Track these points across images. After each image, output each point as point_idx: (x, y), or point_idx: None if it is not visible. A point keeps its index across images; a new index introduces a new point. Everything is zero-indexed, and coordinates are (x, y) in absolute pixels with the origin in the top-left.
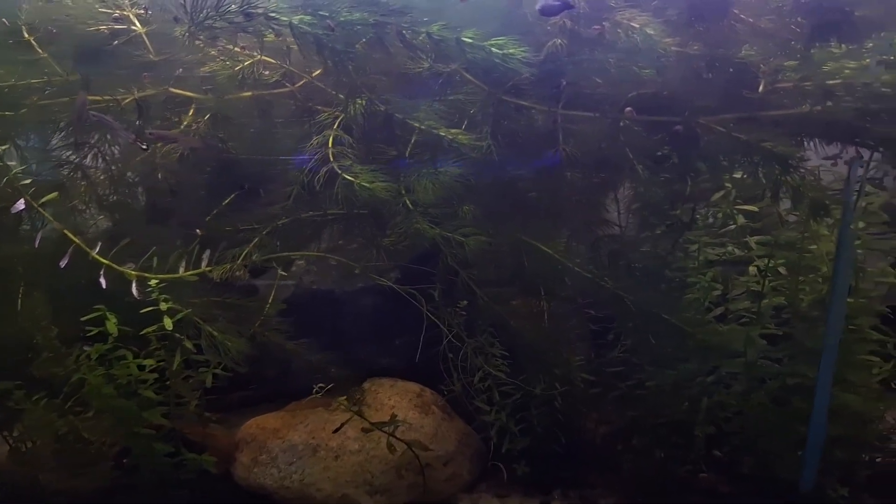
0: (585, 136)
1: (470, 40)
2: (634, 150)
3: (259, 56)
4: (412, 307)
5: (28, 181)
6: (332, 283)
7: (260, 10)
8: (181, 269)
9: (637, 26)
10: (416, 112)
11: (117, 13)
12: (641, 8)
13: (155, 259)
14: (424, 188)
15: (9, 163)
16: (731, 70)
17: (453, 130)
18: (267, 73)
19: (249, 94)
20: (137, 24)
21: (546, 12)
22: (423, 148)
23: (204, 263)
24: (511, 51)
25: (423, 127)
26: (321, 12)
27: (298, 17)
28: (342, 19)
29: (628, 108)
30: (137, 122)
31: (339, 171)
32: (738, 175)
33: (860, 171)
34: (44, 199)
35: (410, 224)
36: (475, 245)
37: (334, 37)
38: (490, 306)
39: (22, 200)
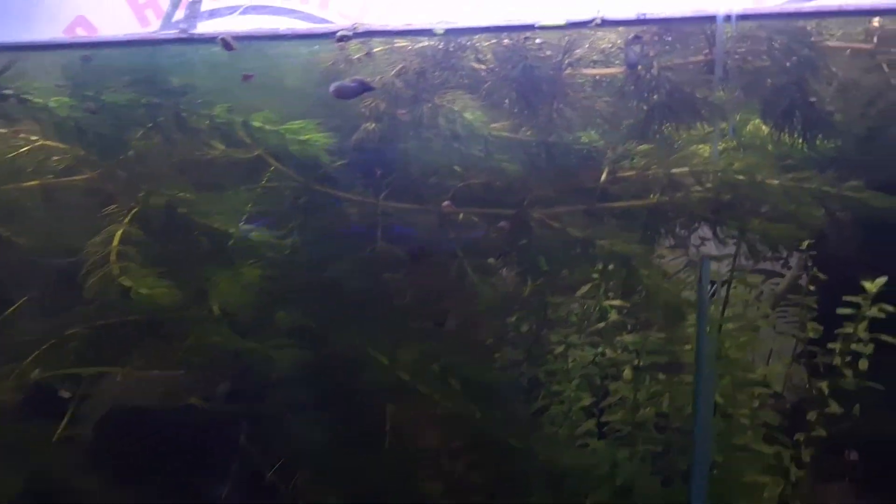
0: (407, 231)
1: (259, 124)
2: (464, 246)
3: (40, 141)
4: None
5: None
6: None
7: (9, 91)
8: None
9: (457, 109)
10: (210, 205)
11: None
12: (468, 89)
13: None
14: (221, 292)
15: None
16: (570, 157)
17: (246, 227)
18: (56, 158)
19: (36, 182)
20: None
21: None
22: (224, 246)
23: None
24: (311, 136)
25: (216, 225)
26: (86, 92)
27: (56, 99)
28: (105, 100)
29: (446, 203)
30: None
31: (115, 275)
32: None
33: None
34: None
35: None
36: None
37: (98, 121)
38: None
39: None
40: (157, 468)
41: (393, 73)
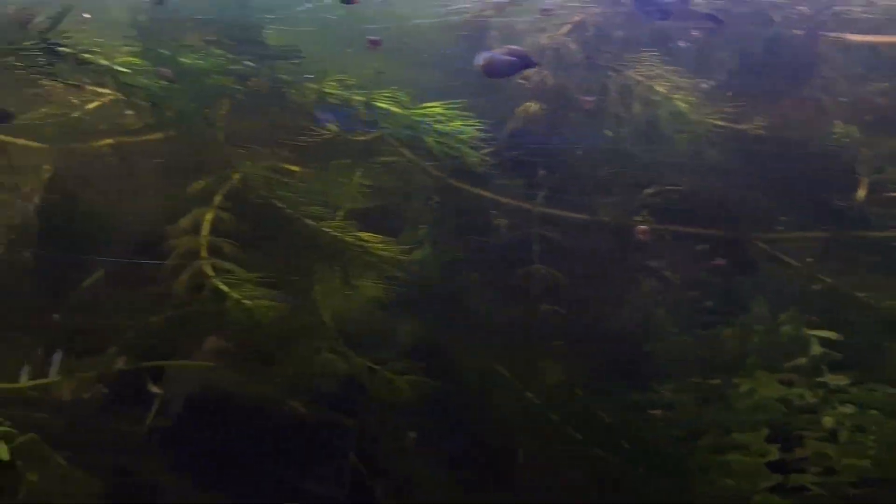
0: (574, 249)
1: (385, 105)
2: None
3: (113, 95)
4: None
5: None
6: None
7: (65, 48)
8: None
9: (664, 91)
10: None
11: None
12: (673, 62)
13: None
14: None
15: None
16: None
17: (365, 235)
18: (130, 112)
19: (111, 141)
20: None
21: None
22: (334, 252)
23: (54, 370)
24: (454, 125)
25: (326, 228)
26: (161, 50)
27: (123, 59)
28: (186, 63)
29: (643, 228)
30: None
31: (210, 276)
32: None
33: None
34: None
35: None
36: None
37: (177, 90)
38: None
39: None
40: (246, 472)
41: (563, 31)
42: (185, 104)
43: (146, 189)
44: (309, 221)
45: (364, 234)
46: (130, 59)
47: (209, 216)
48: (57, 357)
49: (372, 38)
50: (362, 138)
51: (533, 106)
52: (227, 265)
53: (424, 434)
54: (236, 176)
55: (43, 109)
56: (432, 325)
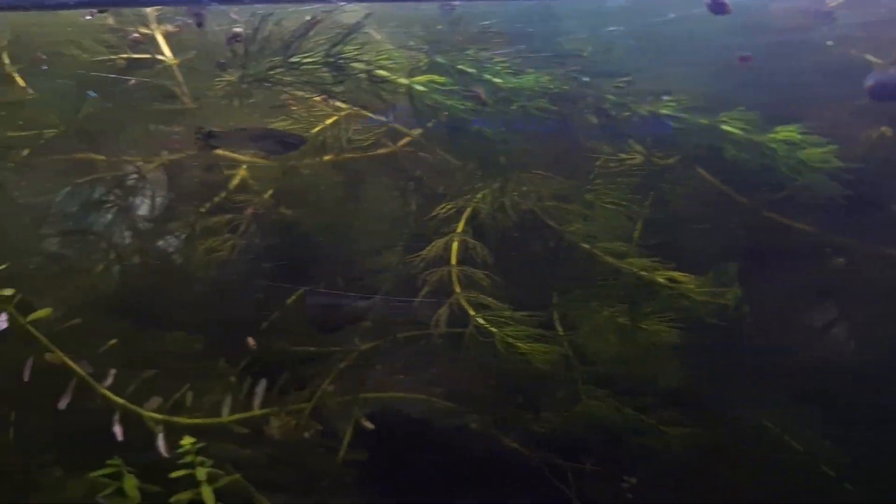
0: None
1: (738, 131)
2: None
3: (349, 110)
4: None
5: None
6: None
7: (359, 66)
8: (225, 410)
9: None
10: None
11: (137, 33)
12: None
13: (188, 395)
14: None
15: None
16: None
17: (664, 272)
18: (355, 129)
19: (329, 157)
20: (167, 51)
21: (883, 94)
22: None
23: (257, 401)
24: (812, 152)
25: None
26: (463, 67)
27: (423, 78)
28: (502, 84)
29: None
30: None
31: (471, 312)
32: None
33: None
34: (34, 316)
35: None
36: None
37: (484, 113)
38: None
39: (4, 316)
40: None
41: None
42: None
43: (370, 210)
44: (597, 252)
45: (672, 273)
46: (431, 76)
47: (454, 243)
48: (261, 388)
49: (743, 54)
50: (662, 161)
51: (888, 131)
52: (486, 300)
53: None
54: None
55: (280, 124)
56: (701, 370)
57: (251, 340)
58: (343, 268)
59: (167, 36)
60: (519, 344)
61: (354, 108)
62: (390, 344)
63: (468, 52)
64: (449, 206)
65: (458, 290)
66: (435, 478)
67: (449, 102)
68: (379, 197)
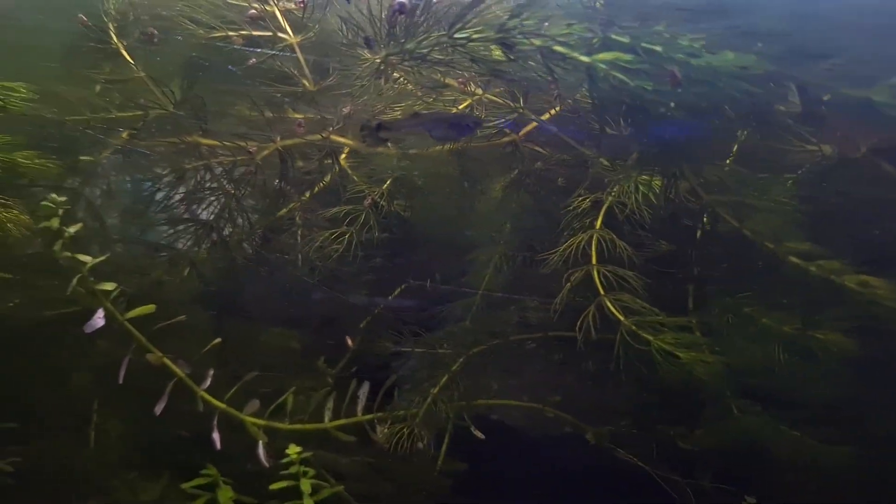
0: None
1: None
2: None
3: (483, 94)
4: None
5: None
6: None
7: (537, 41)
8: (327, 416)
9: None
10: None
11: (255, 8)
12: None
13: (289, 398)
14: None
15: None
16: None
17: (854, 276)
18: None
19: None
20: (289, 31)
21: None
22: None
23: (360, 406)
24: None
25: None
26: (649, 45)
27: (608, 56)
28: (697, 64)
29: None
30: (278, 183)
31: (620, 317)
32: None
33: None
34: (133, 313)
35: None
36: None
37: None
38: None
39: (101, 313)
40: None
41: None
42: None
43: (488, 202)
44: (780, 252)
45: (865, 277)
46: (616, 54)
47: (592, 238)
48: (364, 391)
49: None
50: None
51: None
52: (636, 303)
53: None
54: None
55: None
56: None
57: (350, 340)
58: (454, 263)
59: (285, 14)
60: (679, 353)
61: (488, 95)
62: (502, 347)
63: (656, 27)
64: (583, 199)
65: (601, 291)
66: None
67: (634, 83)
68: (497, 188)
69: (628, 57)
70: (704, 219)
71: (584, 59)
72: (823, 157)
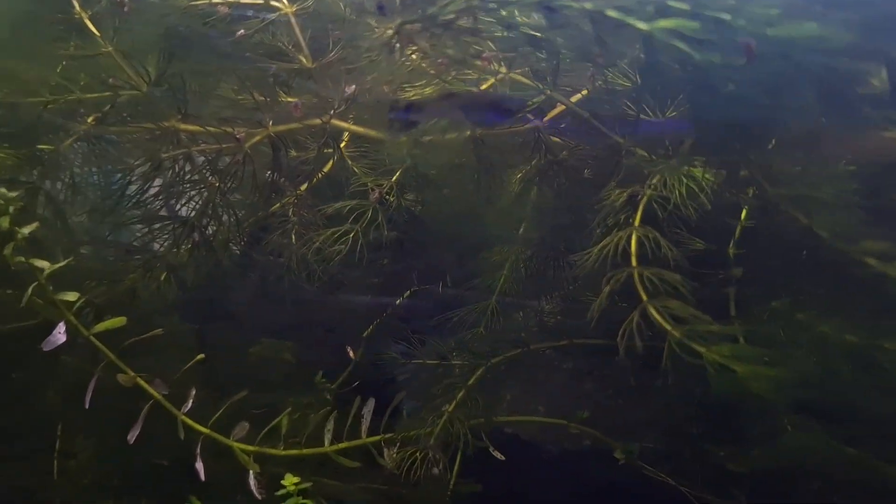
0: None
1: None
2: None
3: (507, 73)
4: None
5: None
6: None
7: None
8: (327, 439)
9: None
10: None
11: None
12: None
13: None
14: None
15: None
16: None
17: None
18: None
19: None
20: None
21: None
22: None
23: (365, 427)
24: None
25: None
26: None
27: (669, 23)
28: (774, 35)
29: None
30: (270, 174)
31: (667, 326)
32: None
33: None
34: (101, 327)
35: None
36: None
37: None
38: None
39: (62, 328)
40: None
41: None
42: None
43: (506, 196)
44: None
45: None
46: (679, 21)
47: (631, 236)
48: (368, 410)
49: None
50: None
51: None
52: (685, 309)
53: None
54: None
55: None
56: None
57: (351, 350)
58: (467, 264)
59: None
60: (736, 366)
61: (513, 74)
62: (523, 357)
63: None
64: (620, 193)
65: (644, 297)
66: None
67: (699, 56)
68: (516, 180)
69: (694, 24)
70: (743, 214)
71: (643, 25)
72: None
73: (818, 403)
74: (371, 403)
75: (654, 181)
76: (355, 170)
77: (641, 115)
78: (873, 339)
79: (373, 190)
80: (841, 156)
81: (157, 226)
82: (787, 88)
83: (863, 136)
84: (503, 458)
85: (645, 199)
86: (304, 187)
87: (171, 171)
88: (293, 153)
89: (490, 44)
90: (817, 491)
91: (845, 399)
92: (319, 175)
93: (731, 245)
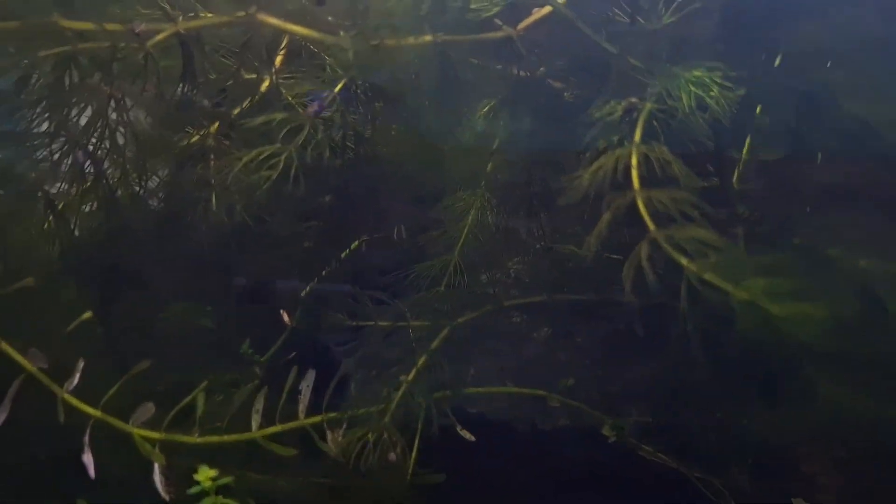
0: None
1: None
2: None
3: None
4: None
5: None
6: None
7: None
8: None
9: None
10: None
11: None
12: None
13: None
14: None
15: None
16: None
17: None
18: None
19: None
20: None
21: None
22: None
23: (303, 405)
24: None
25: None
26: None
27: None
28: None
29: None
30: (181, 88)
31: (683, 261)
32: None
33: None
34: None
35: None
36: None
37: None
38: None
39: None
40: None
41: None
42: None
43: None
44: None
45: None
46: None
47: (634, 159)
48: (306, 384)
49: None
50: None
51: None
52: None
53: None
54: None
55: None
56: None
57: (286, 314)
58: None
59: None
60: (772, 307)
61: None
62: (494, 315)
63: None
64: (614, 105)
65: (651, 226)
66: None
67: None
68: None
69: None
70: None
71: None
72: None
73: (857, 355)
74: (311, 376)
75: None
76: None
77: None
78: None
79: (312, 103)
80: None
81: (34, 147)
82: None
83: None
84: (472, 438)
85: (645, 111)
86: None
87: (51, 77)
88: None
89: None
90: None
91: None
92: (250, 97)
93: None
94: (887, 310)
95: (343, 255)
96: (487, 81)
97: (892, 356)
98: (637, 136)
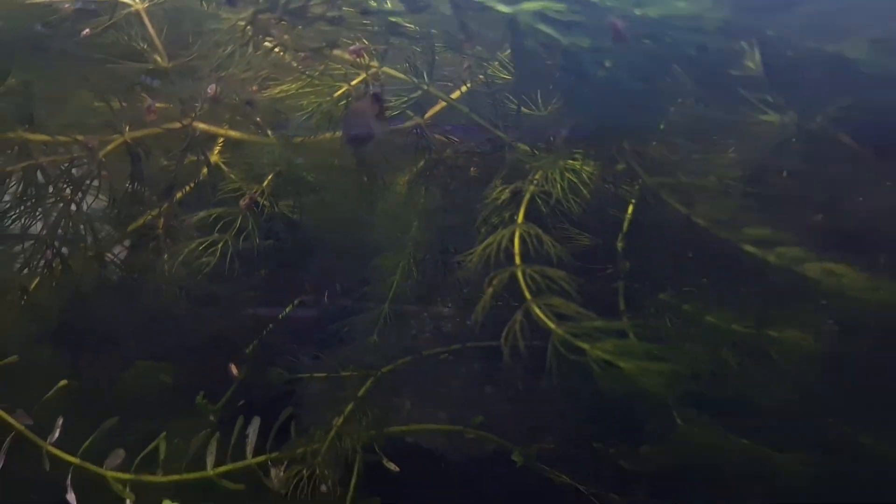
0: None
1: None
2: None
3: (378, 68)
4: None
5: None
6: None
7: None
8: (210, 462)
9: None
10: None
11: None
12: None
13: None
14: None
15: None
16: None
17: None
18: (391, 99)
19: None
20: None
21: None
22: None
23: (250, 447)
24: None
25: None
26: None
27: (534, 5)
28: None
29: None
30: (130, 185)
31: (551, 325)
32: None
33: None
34: None
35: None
36: None
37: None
38: None
39: None
40: None
41: None
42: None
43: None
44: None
45: (831, 265)
46: (543, 2)
47: (516, 238)
48: (254, 428)
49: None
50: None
51: None
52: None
53: None
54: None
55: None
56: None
57: (235, 368)
58: (355, 271)
59: None
60: (621, 363)
61: (385, 69)
62: (416, 364)
63: None
64: (502, 189)
65: (528, 295)
66: None
67: (567, 40)
68: (402, 182)
69: (559, 6)
70: (630, 207)
71: (505, 9)
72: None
73: (709, 396)
74: (256, 423)
75: (537, 176)
76: (231, 176)
77: (523, 109)
78: (759, 327)
79: (244, 196)
80: (720, 141)
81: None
82: (659, 72)
83: (741, 121)
84: (397, 469)
85: (528, 195)
86: (174, 197)
87: (19, 185)
88: (163, 161)
89: (363, 39)
90: (715, 485)
91: (735, 390)
92: (190, 186)
93: (619, 238)
94: (731, 359)
95: (281, 316)
96: (403, 163)
97: (740, 398)
98: (520, 217)
